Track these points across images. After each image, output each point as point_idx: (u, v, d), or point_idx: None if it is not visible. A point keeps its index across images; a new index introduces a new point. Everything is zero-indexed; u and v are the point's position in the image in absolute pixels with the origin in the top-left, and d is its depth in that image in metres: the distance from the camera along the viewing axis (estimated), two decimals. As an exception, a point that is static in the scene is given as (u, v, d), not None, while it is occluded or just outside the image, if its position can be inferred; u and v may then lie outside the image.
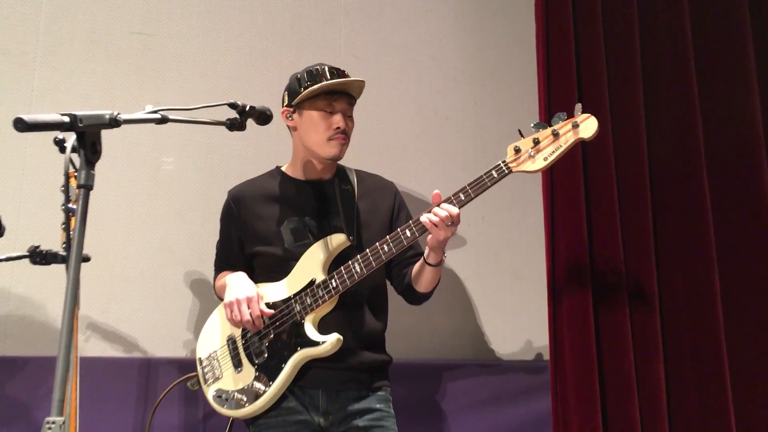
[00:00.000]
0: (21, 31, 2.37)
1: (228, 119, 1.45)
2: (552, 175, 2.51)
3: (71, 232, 1.12)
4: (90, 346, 2.26)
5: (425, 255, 1.81)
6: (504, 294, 2.91)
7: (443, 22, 3.06)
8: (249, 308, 1.77)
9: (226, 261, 2.01)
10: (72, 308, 1.02)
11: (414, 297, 1.95)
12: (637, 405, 2.37)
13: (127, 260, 2.37)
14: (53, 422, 0.95)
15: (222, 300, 1.97)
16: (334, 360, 1.77)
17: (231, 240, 1.98)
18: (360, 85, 1.91)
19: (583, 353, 2.37)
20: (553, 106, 2.54)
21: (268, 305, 1.82)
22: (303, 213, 1.90)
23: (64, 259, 1.69)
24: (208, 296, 2.46)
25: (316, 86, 1.84)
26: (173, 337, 2.37)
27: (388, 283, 2.02)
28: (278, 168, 2.04)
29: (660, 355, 2.44)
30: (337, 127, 1.86)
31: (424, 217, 1.70)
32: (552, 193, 2.50)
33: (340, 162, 2.00)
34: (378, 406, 1.83)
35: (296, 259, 1.85)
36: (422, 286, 1.88)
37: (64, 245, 1.72)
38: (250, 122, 1.49)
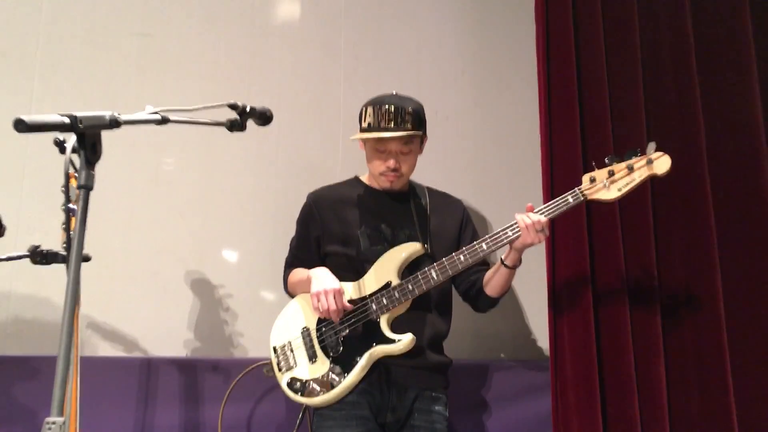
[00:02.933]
0: (21, 32, 2.37)
1: (228, 120, 1.46)
2: (552, 175, 2.50)
3: (71, 232, 1.12)
4: (90, 346, 2.27)
5: (503, 256, 1.95)
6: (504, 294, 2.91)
7: (443, 22, 3.06)
8: (334, 299, 1.88)
9: (300, 258, 2.12)
10: (72, 308, 1.02)
11: (483, 301, 2.07)
12: (637, 405, 2.36)
13: (127, 260, 2.37)
14: (53, 422, 0.95)
15: (291, 295, 2.11)
16: (404, 358, 1.89)
17: (309, 239, 2.09)
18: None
19: (583, 353, 2.36)
20: (553, 105, 2.54)
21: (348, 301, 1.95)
22: (379, 220, 2.05)
23: (64, 259, 1.70)
24: (208, 296, 2.46)
25: (363, 135, 2.00)
26: (173, 337, 2.37)
27: (453, 288, 2.14)
28: (357, 177, 2.19)
29: (660, 354, 2.44)
30: (387, 166, 2.00)
31: (519, 216, 1.88)
32: (552, 194, 2.50)
33: (412, 179, 2.16)
34: (437, 408, 1.97)
35: (370, 261, 1.98)
36: (494, 290, 2.02)
37: (64, 245, 1.72)
38: (251, 123, 1.49)
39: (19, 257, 1.75)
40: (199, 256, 2.46)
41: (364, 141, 2.04)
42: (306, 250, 2.11)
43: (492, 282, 2.01)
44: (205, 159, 2.54)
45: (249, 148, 2.60)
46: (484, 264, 2.10)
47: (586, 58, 2.60)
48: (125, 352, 2.31)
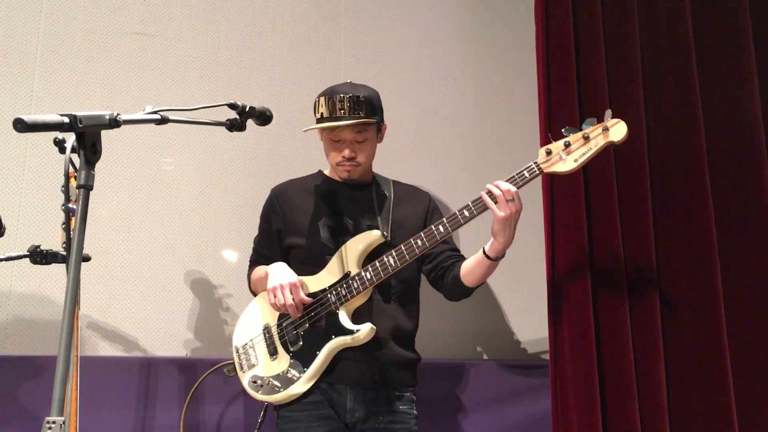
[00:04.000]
0: (21, 32, 2.37)
1: (228, 120, 1.45)
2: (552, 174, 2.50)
3: (71, 232, 1.12)
4: (90, 346, 2.27)
5: (486, 248, 1.86)
6: (504, 294, 2.91)
7: (443, 22, 3.06)
8: (291, 294, 1.84)
9: (262, 254, 2.07)
10: (72, 308, 1.02)
11: (457, 290, 1.98)
12: (637, 405, 2.36)
13: (127, 260, 2.37)
14: (53, 422, 0.95)
15: (255, 294, 2.06)
16: (364, 352, 1.84)
17: (271, 232, 2.05)
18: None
19: (583, 353, 2.36)
20: (553, 105, 2.54)
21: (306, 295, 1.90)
22: (340, 211, 2.00)
23: (64, 259, 1.70)
24: (208, 296, 2.46)
25: (315, 126, 1.96)
26: (173, 336, 2.37)
27: (422, 280, 2.09)
28: (320, 171, 2.14)
29: (660, 354, 2.44)
30: (342, 156, 1.96)
31: (489, 187, 1.78)
32: (552, 193, 2.50)
33: (377, 171, 2.13)
34: (402, 407, 1.91)
35: (331, 253, 1.93)
36: (472, 280, 1.93)
37: (64, 245, 1.72)
38: (250, 123, 1.49)
39: (19, 257, 1.75)
40: (199, 256, 2.46)
41: (320, 132, 2.00)
42: (268, 245, 2.06)
43: (472, 273, 1.92)
44: (205, 159, 2.54)
45: (249, 148, 2.60)
46: (456, 251, 2.05)
47: (586, 58, 2.60)
48: (125, 351, 2.31)
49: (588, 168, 2.51)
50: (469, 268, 1.93)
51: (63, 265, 1.69)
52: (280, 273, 1.89)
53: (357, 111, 1.92)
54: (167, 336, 2.37)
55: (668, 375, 2.45)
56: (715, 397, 2.42)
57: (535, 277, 2.83)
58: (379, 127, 2.02)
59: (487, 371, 2.67)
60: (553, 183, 2.50)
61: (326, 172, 2.12)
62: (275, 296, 1.85)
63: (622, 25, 2.68)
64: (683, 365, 2.48)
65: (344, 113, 1.91)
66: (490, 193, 1.79)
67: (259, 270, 2.02)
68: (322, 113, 1.94)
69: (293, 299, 1.83)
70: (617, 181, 2.55)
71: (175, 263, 2.43)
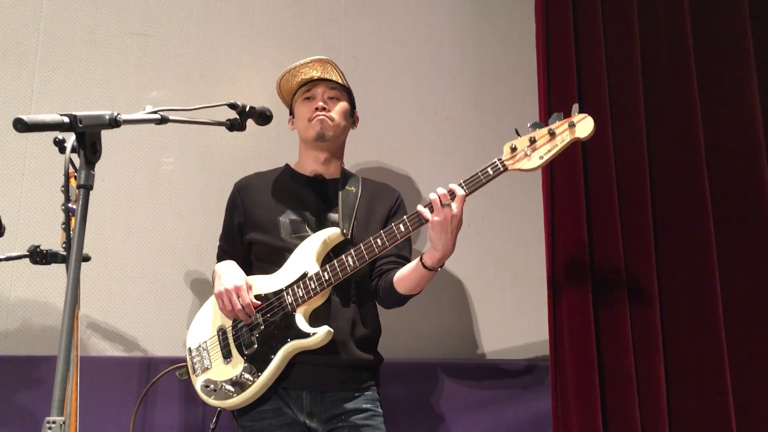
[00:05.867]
0: (21, 32, 2.37)
1: (228, 119, 1.46)
2: (552, 174, 2.51)
3: (71, 232, 1.12)
4: (90, 346, 2.27)
5: (422, 255, 1.77)
6: (504, 294, 2.91)
7: (443, 22, 3.06)
8: (239, 297, 1.78)
9: (225, 251, 2.04)
10: (72, 308, 1.02)
11: (390, 296, 1.88)
12: (637, 405, 2.37)
13: (127, 260, 2.37)
14: (53, 422, 0.95)
15: None
16: (321, 355, 1.76)
17: (232, 227, 2.01)
18: (327, 68, 2.04)
19: (583, 353, 2.36)
20: (553, 106, 2.54)
21: (259, 297, 1.83)
22: (303, 207, 1.94)
23: (64, 259, 1.70)
24: (208, 295, 2.46)
25: (278, 78, 2.04)
26: (173, 336, 2.37)
27: None
28: (287, 165, 2.10)
29: (660, 354, 2.44)
30: (315, 108, 1.97)
31: (431, 195, 1.70)
32: (552, 193, 2.50)
33: (348, 168, 2.09)
34: (365, 405, 1.83)
35: (290, 250, 1.86)
36: (405, 287, 1.83)
37: (64, 245, 1.72)
38: (250, 122, 1.49)
39: (19, 257, 1.75)
40: (199, 256, 2.46)
41: (295, 107, 2.05)
42: (230, 240, 2.02)
43: (406, 279, 1.81)
44: (205, 159, 2.54)
45: (249, 148, 2.60)
46: (403, 258, 1.95)
47: (586, 58, 2.60)
48: (125, 352, 2.31)
49: (588, 168, 2.53)
50: (403, 274, 1.83)
51: (63, 265, 1.69)
52: (226, 275, 1.83)
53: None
54: (167, 336, 2.37)
55: (668, 375, 2.45)
56: (714, 397, 2.43)
57: (535, 277, 2.83)
58: (353, 106, 2.08)
59: (486, 371, 2.67)
60: (553, 184, 2.50)
61: (292, 165, 2.09)
62: (222, 301, 1.80)
63: (622, 25, 2.68)
64: (683, 366, 2.48)
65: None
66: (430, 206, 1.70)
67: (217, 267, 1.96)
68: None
69: (241, 303, 1.77)
70: (617, 181, 2.55)
71: (175, 263, 2.43)
